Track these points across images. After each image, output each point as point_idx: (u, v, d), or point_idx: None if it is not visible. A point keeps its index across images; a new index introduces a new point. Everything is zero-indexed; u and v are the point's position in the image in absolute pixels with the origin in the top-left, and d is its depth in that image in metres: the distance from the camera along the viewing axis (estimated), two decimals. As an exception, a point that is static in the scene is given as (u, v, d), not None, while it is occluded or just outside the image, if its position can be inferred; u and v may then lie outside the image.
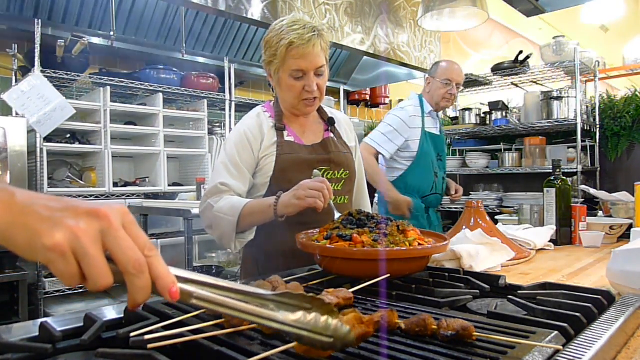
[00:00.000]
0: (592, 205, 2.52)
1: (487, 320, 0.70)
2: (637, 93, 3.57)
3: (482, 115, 4.19)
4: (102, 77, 3.19)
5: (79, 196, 3.03)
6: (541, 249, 1.64)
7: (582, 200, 3.05)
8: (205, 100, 3.68)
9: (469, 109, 4.21)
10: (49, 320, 0.73)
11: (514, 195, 3.75)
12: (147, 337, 0.60)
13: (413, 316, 0.65)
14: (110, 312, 0.82)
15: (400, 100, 5.93)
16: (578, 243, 1.75)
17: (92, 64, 3.37)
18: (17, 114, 2.76)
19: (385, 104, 5.64)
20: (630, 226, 1.74)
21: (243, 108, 4.03)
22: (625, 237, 1.79)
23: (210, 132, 3.80)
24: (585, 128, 3.52)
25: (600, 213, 2.30)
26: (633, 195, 1.89)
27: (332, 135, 1.57)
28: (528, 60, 3.78)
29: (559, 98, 3.57)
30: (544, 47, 3.84)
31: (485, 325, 0.67)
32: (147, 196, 3.36)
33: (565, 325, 0.66)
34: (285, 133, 1.49)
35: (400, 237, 1.03)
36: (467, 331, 0.60)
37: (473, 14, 2.70)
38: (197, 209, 1.53)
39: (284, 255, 1.39)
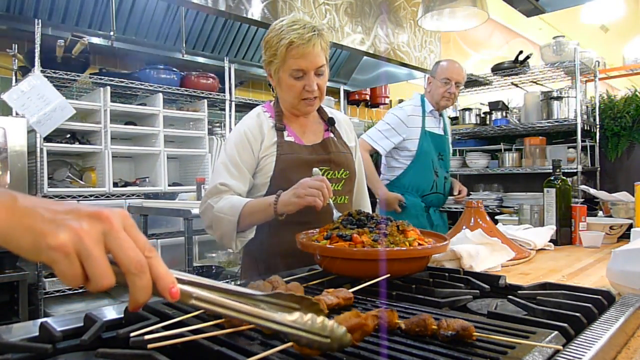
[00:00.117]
0: (592, 205, 2.52)
1: (487, 320, 0.70)
2: (637, 93, 3.57)
3: (482, 115, 4.19)
4: (102, 77, 3.19)
5: (79, 196, 3.03)
6: (541, 249, 1.64)
7: (582, 200, 3.05)
8: (205, 100, 3.68)
9: (469, 109, 4.21)
10: (49, 320, 0.73)
11: (514, 195, 3.75)
12: (147, 337, 0.60)
13: (413, 316, 0.65)
14: (110, 312, 0.82)
15: (401, 100, 5.96)
16: (578, 243, 1.75)
17: (92, 64, 3.37)
18: (17, 114, 2.76)
19: (385, 104, 5.64)
20: (630, 226, 1.74)
21: (243, 108, 4.03)
22: (625, 237, 1.79)
23: (210, 132, 3.80)
24: (585, 128, 3.52)
25: (600, 213, 2.30)
26: (633, 195, 1.89)
27: (332, 135, 1.57)
28: (528, 60, 3.78)
29: (559, 98, 3.57)
30: (544, 47, 3.84)
31: (485, 325, 0.67)
32: (147, 196, 3.36)
33: (565, 325, 0.66)
34: (286, 133, 1.50)
35: (400, 237, 1.03)
36: (467, 331, 0.60)
37: (473, 14, 2.70)
38: (197, 209, 1.53)
39: (284, 255, 1.39)
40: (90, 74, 3.21)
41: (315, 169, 1.38)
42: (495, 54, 6.44)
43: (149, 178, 3.45)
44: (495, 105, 4.04)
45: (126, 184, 3.42)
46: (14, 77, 3.08)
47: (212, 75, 3.80)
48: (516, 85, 4.31)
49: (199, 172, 3.60)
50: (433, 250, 1.04)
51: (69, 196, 2.98)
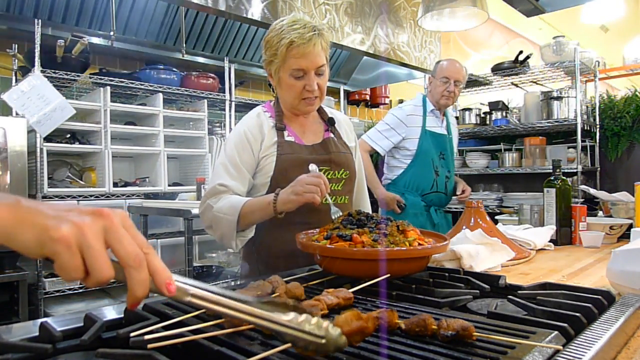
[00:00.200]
0: (592, 205, 2.52)
1: (487, 320, 0.70)
2: (637, 93, 3.57)
3: (482, 115, 4.19)
4: (102, 77, 3.19)
5: (79, 196, 3.03)
6: (541, 249, 1.64)
7: (582, 200, 3.05)
8: (205, 100, 3.68)
9: (469, 109, 4.21)
10: (49, 320, 0.73)
11: (514, 195, 3.75)
12: (147, 337, 0.60)
13: (413, 316, 0.65)
14: (110, 312, 0.82)
15: (401, 100, 5.96)
16: (578, 243, 1.75)
17: (92, 64, 3.37)
18: (17, 114, 2.76)
19: (385, 104, 5.64)
20: (630, 226, 1.74)
21: (243, 108, 4.03)
22: (625, 237, 1.79)
23: (210, 132, 3.80)
24: (585, 128, 3.52)
25: (600, 213, 2.30)
26: (633, 195, 1.89)
27: (332, 135, 1.57)
28: (528, 60, 3.79)
29: (559, 98, 3.57)
30: (544, 47, 3.84)
31: (485, 325, 0.67)
32: (147, 196, 3.36)
33: (565, 325, 0.66)
34: (286, 133, 1.50)
35: (400, 237, 1.03)
36: (467, 331, 0.60)
37: (473, 14, 2.70)
38: (197, 209, 1.53)
39: (284, 255, 1.39)
40: (90, 74, 3.21)
41: (312, 166, 1.38)
42: (495, 54, 6.44)
43: (149, 178, 3.45)
44: (495, 105, 4.05)
45: (126, 184, 3.42)
46: (14, 77, 3.08)
47: (212, 75, 3.80)
48: (516, 85, 4.31)
49: (199, 172, 3.60)
50: (433, 250, 1.04)
51: (68, 196, 2.98)
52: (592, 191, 2.49)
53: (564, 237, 1.79)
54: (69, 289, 2.87)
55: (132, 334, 0.62)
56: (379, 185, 2.72)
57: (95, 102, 3.12)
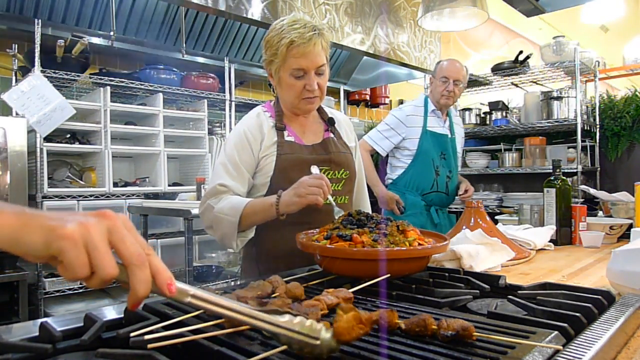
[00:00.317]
0: (592, 205, 2.52)
1: (487, 320, 0.70)
2: (637, 93, 3.57)
3: (482, 115, 4.19)
4: (102, 77, 3.19)
5: (79, 196, 3.03)
6: (541, 249, 1.64)
7: (582, 200, 3.05)
8: (205, 100, 3.68)
9: (469, 109, 4.21)
10: (49, 320, 0.73)
11: (514, 195, 3.75)
12: (147, 337, 0.60)
13: (413, 316, 0.65)
14: (110, 312, 0.82)
15: (401, 100, 5.96)
16: (578, 243, 1.75)
17: (92, 64, 3.37)
18: (17, 114, 2.76)
19: (385, 104, 5.64)
20: (630, 226, 1.74)
21: (243, 108, 4.03)
22: (625, 237, 1.79)
23: (210, 132, 3.80)
24: (585, 128, 3.52)
25: (600, 213, 2.30)
26: (633, 195, 1.89)
27: (332, 135, 1.57)
28: (528, 60, 3.78)
29: (559, 98, 3.57)
30: (544, 47, 3.84)
31: (485, 325, 0.67)
32: (147, 196, 3.36)
33: (565, 325, 0.66)
34: (286, 133, 1.49)
35: (400, 237, 1.03)
36: (467, 331, 0.60)
37: (473, 14, 2.70)
38: (197, 209, 1.53)
39: (284, 255, 1.39)
40: (90, 74, 3.21)
41: (314, 168, 1.38)
42: (495, 54, 6.44)
43: (149, 178, 3.45)
44: (495, 105, 4.05)
45: (126, 184, 3.42)
46: (14, 77, 3.09)
47: (212, 75, 3.80)
48: (516, 85, 4.31)
49: (199, 172, 3.60)
50: (433, 250, 1.04)
51: (68, 196, 2.98)
52: (592, 191, 2.49)
53: (564, 237, 1.79)
54: (69, 289, 2.87)
55: (132, 334, 0.62)
56: (379, 183, 2.75)
57: (95, 102, 3.12)
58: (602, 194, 2.38)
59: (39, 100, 2.70)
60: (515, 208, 3.19)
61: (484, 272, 1.11)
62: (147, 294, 0.53)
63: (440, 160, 2.73)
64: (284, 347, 0.59)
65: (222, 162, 1.46)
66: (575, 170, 3.37)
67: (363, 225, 1.07)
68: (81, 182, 3.20)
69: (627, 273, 0.97)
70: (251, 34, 3.99)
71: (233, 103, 3.90)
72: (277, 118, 1.51)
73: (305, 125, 1.56)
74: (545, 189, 1.83)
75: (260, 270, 1.49)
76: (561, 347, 0.60)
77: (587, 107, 3.65)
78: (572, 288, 0.90)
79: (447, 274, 1.04)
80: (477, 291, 0.91)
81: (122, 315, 0.76)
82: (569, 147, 3.61)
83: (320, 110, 1.61)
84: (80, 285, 2.91)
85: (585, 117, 3.52)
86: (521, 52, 3.80)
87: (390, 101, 5.79)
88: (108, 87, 3.12)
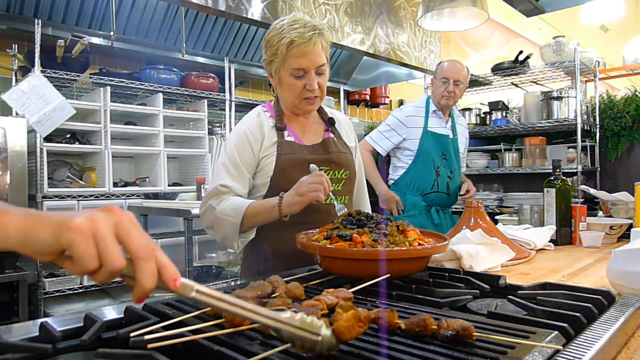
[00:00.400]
0: (592, 205, 2.52)
1: (487, 320, 0.70)
2: (637, 93, 3.57)
3: (482, 115, 4.19)
4: (102, 77, 3.19)
5: (79, 196, 3.03)
6: (541, 249, 1.64)
7: (582, 200, 3.05)
8: (205, 100, 3.68)
9: (469, 109, 4.21)
10: (49, 320, 0.73)
11: (514, 195, 3.75)
12: (147, 337, 0.60)
13: (413, 316, 0.65)
14: (110, 312, 0.82)
15: (401, 100, 5.96)
16: (578, 243, 1.75)
17: (92, 64, 3.37)
18: (17, 114, 2.76)
19: (385, 104, 5.64)
20: (630, 226, 1.74)
21: (243, 108, 4.03)
22: (625, 237, 1.79)
23: (210, 132, 3.80)
24: (585, 128, 3.52)
25: (600, 213, 2.30)
26: (633, 195, 1.89)
27: (332, 135, 1.57)
28: (528, 60, 3.78)
29: (559, 98, 3.57)
30: (544, 47, 3.84)
31: (485, 325, 0.67)
32: (147, 196, 3.36)
33: (565, 325, 0.66)
34: (286, 133, 1.49)
35: (400, 237, 1.03)
36: (467, 331, 0.60)
37: (473, 14, 2.70)
38: (197, 209, 1.53)
39: (284, 255, 1.39)
40: (90, 74, 3.21)
41: (312, 166, 1.38)
42: (495, 54, 6.44)
43: (149, 178, 3.45)
44: (495, 105, 4.05)
45: (126, 184, 3.42)
46: (14, 77, 3.08)
47: (212, 75, 3.80)
48: (516, 85, 4.31)
49: (199, 172, 3.60)
50: (433, 250, 1.04)
51: (68, 196, 2.98)
52: (592, 191, 2.49)
53: (564, 237, 1.79)
54: (69, 289, 2.87)
55: (132, 334, 0.62)
56: (381, 182, 2.78)
57: (95, 102, 3.12)
58: (602, 194, 2.38)
59: (39, 100, 2.70)
60: (515, 208, 3.19)
61: (484, 272, 1.11)
62: (153, 287, 0.53)
63: (441, 161, 2.74)
64: (283, 347, 0.59)
65: (222, 162, 1.46)
66: (575, 170, 3.38)
67: (363, 225, 1.07)
68: (81, 182, 3.20)
69: (627, 273, 0.97)
70: (251, 34, 3.99)
71: (233, 103, 3.89)
72: (277, 118, 1.51)
73: (305, 125, 1.56)
74: (545, 189, 1.83)
75: (260, 270, 1.49)
76: (561, 347, 0.60)
77: (587, 107, 3.65)
78: (572, 288, 0.90)
79: (447, 274, 1.04)
80: (477, 291, 0.91)
81: (122, 315, 0.76)
82: (569, 147, 3.61)
83: (320, 111, 1.61)
84: (80, 285, 2.91)
85: (585, 117, 3.52)
86: (521, 52, 3.80)
87: (390, 101, 5.79)
88: (108, 87, 3.12)
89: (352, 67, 5.05)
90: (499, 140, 4.11)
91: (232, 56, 3.98)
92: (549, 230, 1.71)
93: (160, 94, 3.38)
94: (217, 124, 3.96)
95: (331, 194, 1.30)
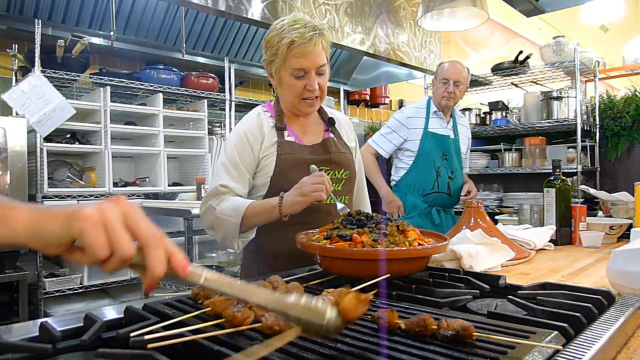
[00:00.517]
0: (592, 205, 2.52)
1: (487, 320, 0.70)
2: (637, 93, 3.57)
3: (482, 115, 4.19)
4: (102, 77, 3.19)
5: (79, 196, 3.03)
6: (541, 249, 1.64)
7: (582, 200, 3.05)
8: (205, 100, 3.68)
9: (469, 109, 4.21)
10: (49, 320, 0.73)
11: (514, 195, 3.75)
12: (147, 337, 0.60)
13: (413, 316, 0.65)
14: (110, 312, 0.82)
15: (401, 100, 5.96)
16: (578, 243, 1.75)
17: (92, 64, 3.37)
18: (17, 114, 2.76)
19: (385, 104, 5.64)
20: (630, 226, 1.74)
21: (243, 108, 4.03)
22: (625, 237, 1.79)
23: (210, 132, 3.80)
24: (585, 128, 3.52)
25: (600, 213, 2.30)
26: (633, 195, 1.89)
27: (332, 135, 1.57)
28: (528, 60, 3.79)
29: (559, 98, 3.57)
30: (544, 47, 3.84)
31: (485, 325, 0.67)
32: (147, 196, 3.36)
33: (565, 325, 0.66)
34: (286, 133, 1.49)
35: (400, 237, 1.03)
36: (467, 331, 0.60)
37: (473, 14, 2.70)
38: (197, 209, 1.53)
39: (284, 255, 1.39)
40: (90, 74, 3.21)
41: (313, 166, 1.38)
42: (495, 54, 6.44)
43: (149, 178, 3.45)
44: (495, 105, 4.05)
45: (126, 184, 3.42)
46: (14, 77, 3.09)
47: (212, 75, 3.80)
48: (516, 85, 4.31)
49: (199, 172, 3.60)
50: (433, 250, 1.04)
51: (68, 196, 2.98)
52: (592, 191, 2.48)
53: (564, 237, 1.79)
54: (69, 289, 2.88)
55: (132, 334, 0.62)
56: (384, 184, 2.80)
57: (95, 102, 3.12)
58: (602, 194, 2.38)
59: (39, 100, 2.70)
60: (515, 208, 3.19)
61: (484, 272, 1.11)
62: (163, 274, 0.54)
63: (442, 161, 2.74)
64: (283, 335, 0.60)
65: (222, 162, 1.46)
66: (575, 170, 3.38)
67: (363, 225, 1.06)
68: (81, 182, 3.20)
69: (627, 273, 0.97)
70: (251, 34, 3.99)
71: (233, 103, 3.89)
72: (277, 118, 1.51)
73: (305, 126, 1.56)
74: (545, 189, 1.83)
75: (260, 270, 1.49)
76: (561, 347, 0.60)
77: (587, 107, 3.65)
78: (572, 288, 0.90)
79: (447, 274, 1.04)
80: (477, 291, 0.91)
81: (122, 315, 0.76)
82: (569, 147, 3.61)
83: (320, 111, 1.61)
84: (80, 285, 2.91)
85: (585, 117, 3.52)
86: (521, 52, 3.81)
87: (390, 101, 5.79)
88: (108, 87, 3.12)
89: (352, 67, 5.05)
90: (499, 140, 4.11)
91: (232, 56, 3.98)
92: (549, 230, 1.71)
93: (160, 94, 3.38)
94: (217, 124, 3.96)
95: (332, 194, 1.30)
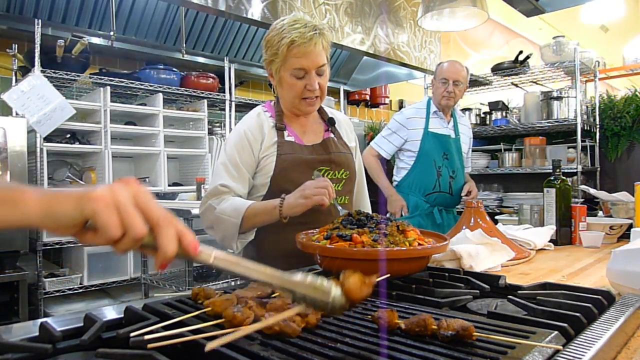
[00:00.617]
0: (592, 205, 2.52)
1: (487, 320, 0.70)
2: (637, 93, 3.57)
3: (482, 115, 4.19)
4: (102, 77, 3.19)
5: (79, 196, 3.03)
6: (541, 249, 1.64)
7: (582, 200, 3.05)
8: (205, 100, 3.68)
9: (469, 109, 4.21)
10: (49, 320, 0.73)
11: (514, 195, 3.75)
12: (147, 337, 0.60)
13: (413, 316, 0.65)
14: (110, 312, 0.82)
15: (401, 100, 5.95)
16: (578, 243, 1.75)
17: (92, 64, 3.37)
18: (17, 114, 2.76)
19: (385, 104, 5.64)
20: (630, 226, 1.74)
21: (243, 108, 4.03)
22: (625, 237, 1.79)
23: (210, 132, 3.80)
24: (585, 128, 3.52)
25: (600, 213, 2.30)
26: (633, 195, 1.89)
27: (332, 135, 1.57)
28: (528, 60, 3.79)
29: (559, 98, 3.57)
30: (544, 47, 3.84)
31: (485, 325, 0.67)
32: (147, 196, 3.35)
33: (565, 325, 0.66)
34: (286, 133, 1.49)
35: (400, 237, 1.03)
36: (467, 331, 0.60)
37: (473, 14, 2.70)
38: (197, 209, 1.53)
39: (284, 255, 1.39)
40: (90, 74, 3.21)
41: (315, 172, 1.39)
42: (495, 54, 6.43)
43: (149, 178, 3.45)
44: (495, 105, 4.05)
45: (126, 184, 3.41)
46: (14, 77, 3.08)
47: (212, 75, 3.80)
48: (516, 85, 4.31)
49: (199, 172, 3.60)
50: (433, 250, 1.04)
51: (69, 196, 2.98)
52: (592, 191, 2.48)
53: (564, 237, 1.79)
54: (69, 289, 2.87)
55: (132, 334, 0.62)
56: (388, 184, 2.83)
57: (95, 102, 3.12)
58: (602, 194, 2.38)
59: (39, 100, 2.70)
60: (515, 208, 3.19)
61: (484, 272, 1.11)
62: (174, 253, 0.55)
63: (443, 161, 2.75)
64: (283, 313, 0.61)
65: (222, 162, 1.46)
66: (575, 170, 3.38)
67: (363, 225, 1.06)
68: (81, 182, 3.20)
69: (627, 273, 0.97)
70: (251, 34, 3.99)
71: (233, 103, 3.89)
72: (277, 118, 1.51)
73: (305, 126, 1.56)
74: (545, 189, 1.83)
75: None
76: (561, 347, 0.60)
77: (587, 107, 3.65)
78: (572, 288, 0.90)
79: (447, 274, 1.04)
80: (477, 291, 0.91)
81: (122, 315, 0.76)
82: (569, 147, 3.61)
83: (320, 111, 1.61)
84: (80, 285, 2.91)
85: (585, 117, 3.52)
86: (521, 52, 3.81)
87: (390, 101, 5.79)
88: (108, 87, 3.12)
89: (352, 67, 5.05)
90: (499, 140, 4.11)
91: (232, 56, 3.98)
92: (549, 230, 1.71)
93: (160, 94, 3.38)
94: (217, 124, 3.96)
95: (335, 201, 1.31)
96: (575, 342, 0.63)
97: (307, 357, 0.58)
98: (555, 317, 0.71)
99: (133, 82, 3.33)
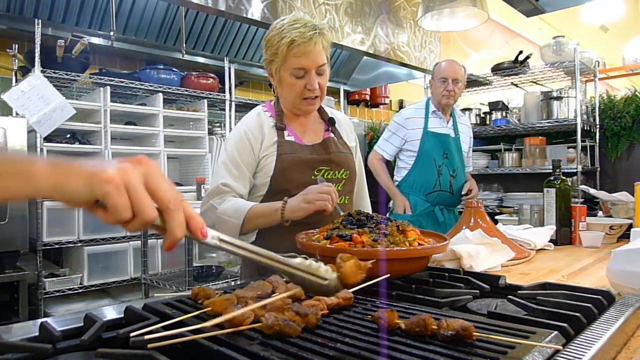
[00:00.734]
0: (592, 205, 2.52)
1: (487, 320, 0.70)
2: (637, 93, 3.57)
3: (482, 115, 4.19)
4: (102, 77, 3.19)
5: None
6: (541, 249, 1.64)
7: (582, 200, 3.05)
8: (205, 100, 3.69)
9: (469, 109, 4.21)
10: (49, 320, 0.73)
11: (514, 195, 3.75)
12: (147, 337, 0.60)
13: (413, 316, 0.65)
14: (110, 312, 0.82)
15: (401, 100, 5.95)
16: (578, 243, 1.75)
17: (92, 64, 3.37)
18: (17, 114, 2.76)
19: (385, 104, 5.64)
20: (630, 226, 1.74)
21: (243, 108, 4.03)
22: (625, 237, 1.79)
23: (210, 132, 3.80)
24: (585, 128, 3.52)
25: (600, 213, 2.30)
26: (633, 195, 1.89)
27: (332, 135, 1.57)
28: (528, 60, 3.78)
29: (558, 98, 3.57)
30: (544, 47, 3.84)
31: (485, 325, 0.67)
32: (147, 196, 3.35)
33: (565, 325, 0.66)
34: (286, 133, 1.49)
35: (400, 237, 1.03)
36: (467, 331, 0.60)
37: (473, 14, 2.70)
38: (198, 209, 1.53)
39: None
40: (90, 74, 3.21)
41: (319, 177, 1.39)
42: (495, 54, 6.44)
43: (149, 178, 3.45)
44: (495, 105, 4.05)
45: (126, 184, 3.41)
46: (14, 77, 3.09)
47: (212, 75, 3.80)
48: (516, 85, 4.31)
49: (199, 172, 3.60)
50: (433, 250, 1.04)
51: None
52: (592, 191, 2.48)
53: (564, 237, 1.79)
54: (69, 289, 2.88)
55: (132, 334, 0.62)
56: (392, 185, 2.85)
57: (95, 102, 3.12)
58: (602, 194, 2.38)
59: (39, 100, 2.70)
60: (515, 208, 3.19)
61: (484, 272, 1.11)
62: (182, 236, 0.56)
63: (443, 160, 2.75)
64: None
65: (223, 161, 1.46)
66: (575, 170, 3.37)
67: (363, 225, 1.06)
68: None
69: (627, 273, 0.97)
70: (251, 34, 3.99)
71: (233, 103, 3.90)
72: (277, 118, 1.51)
73: (305, 125, 1.56)
74: (545, 189, 1.83)
75: (260, 270, 1.49)
76: (561, 347, 0.60)
77: (587, 107, 3.65)
78: (572, 288, 0.90)
79: (447, 274, 1.04)
80: (477, 291, 0.91)
81: (122, 315, 0.76)
82: (569, 147, 3.61)
83: (320, 110, 1.61)
84: (80, 285, 2.91)
85: (585, 117, 3.52)
86: (521, 52, 3.81)
87: (390, 101, 5.79)
88: (108, 87, 3.12)
89: (352, 67, 5.05)
90: (499, 140, 4.11)
91: (232, 56, 3.98)
92: (549, 230, 1.71)
93: (160, 94, 3.38)
94: (217, 124, 3.96)
95: (338, 206, 1.31)
96: (575, 342, 0.63)
97: (307, 357, 0.58)
98: (555, 317, 0.71)
99: (133, 82, 3.33)
